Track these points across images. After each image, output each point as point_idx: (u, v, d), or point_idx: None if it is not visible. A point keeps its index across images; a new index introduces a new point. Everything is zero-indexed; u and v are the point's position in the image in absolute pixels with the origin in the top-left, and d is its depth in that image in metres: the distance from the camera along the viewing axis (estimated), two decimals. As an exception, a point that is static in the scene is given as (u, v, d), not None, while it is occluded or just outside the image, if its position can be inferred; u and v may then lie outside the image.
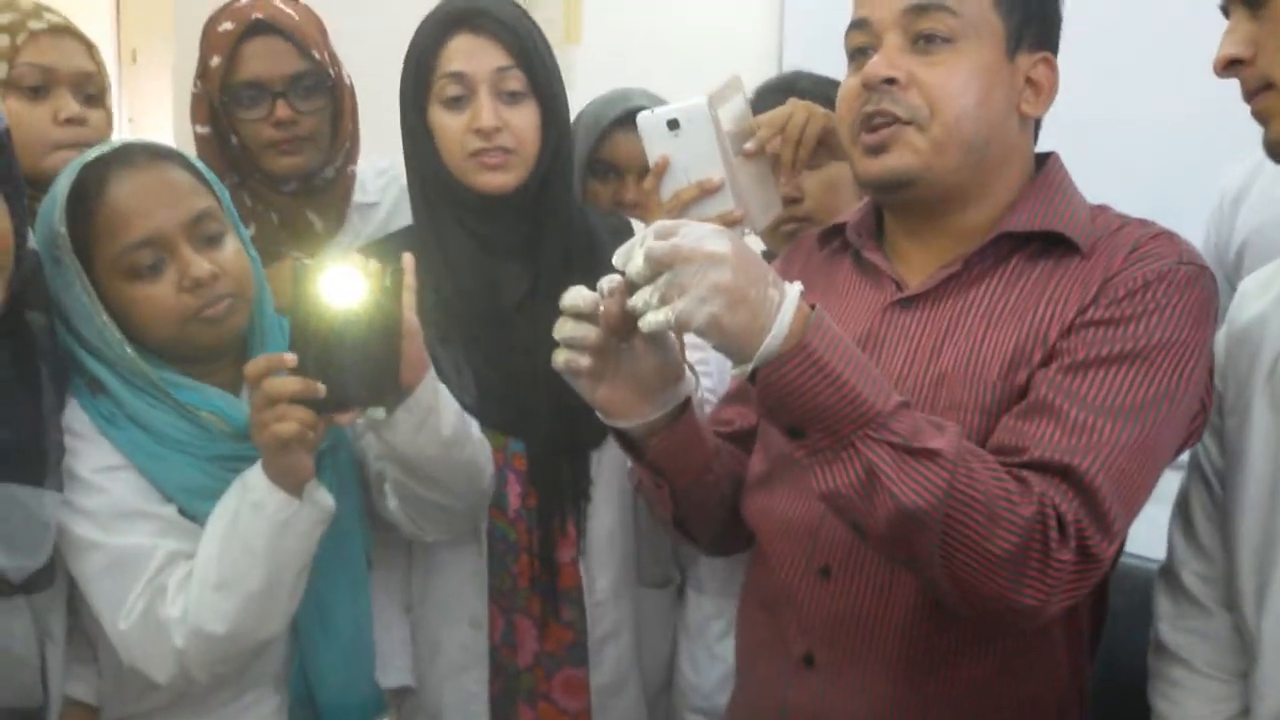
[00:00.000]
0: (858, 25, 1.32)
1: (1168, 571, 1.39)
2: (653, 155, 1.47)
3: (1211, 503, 1.34)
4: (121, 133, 1.89)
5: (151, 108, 4.10)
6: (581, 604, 1.73)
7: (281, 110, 1.89)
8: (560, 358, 1.27)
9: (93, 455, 1.46)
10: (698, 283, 1.07)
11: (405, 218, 1.85)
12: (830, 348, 1.10)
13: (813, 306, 1.12)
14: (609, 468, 1.73)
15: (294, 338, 1.37)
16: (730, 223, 1.44)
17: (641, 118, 1.47)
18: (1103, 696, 1.40)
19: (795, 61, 2.39)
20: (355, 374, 1.39)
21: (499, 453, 1.68)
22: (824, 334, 1.10)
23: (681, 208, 1.45)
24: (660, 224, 1.12)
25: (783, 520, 1.36)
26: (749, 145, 1.50)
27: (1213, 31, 1.23)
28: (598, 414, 1.35)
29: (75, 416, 1.48)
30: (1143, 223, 1.30)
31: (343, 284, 1.36)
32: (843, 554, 1.30)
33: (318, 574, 1.51)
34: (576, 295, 1.24)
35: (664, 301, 1.09)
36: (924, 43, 1.27)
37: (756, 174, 1.52)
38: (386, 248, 1.68)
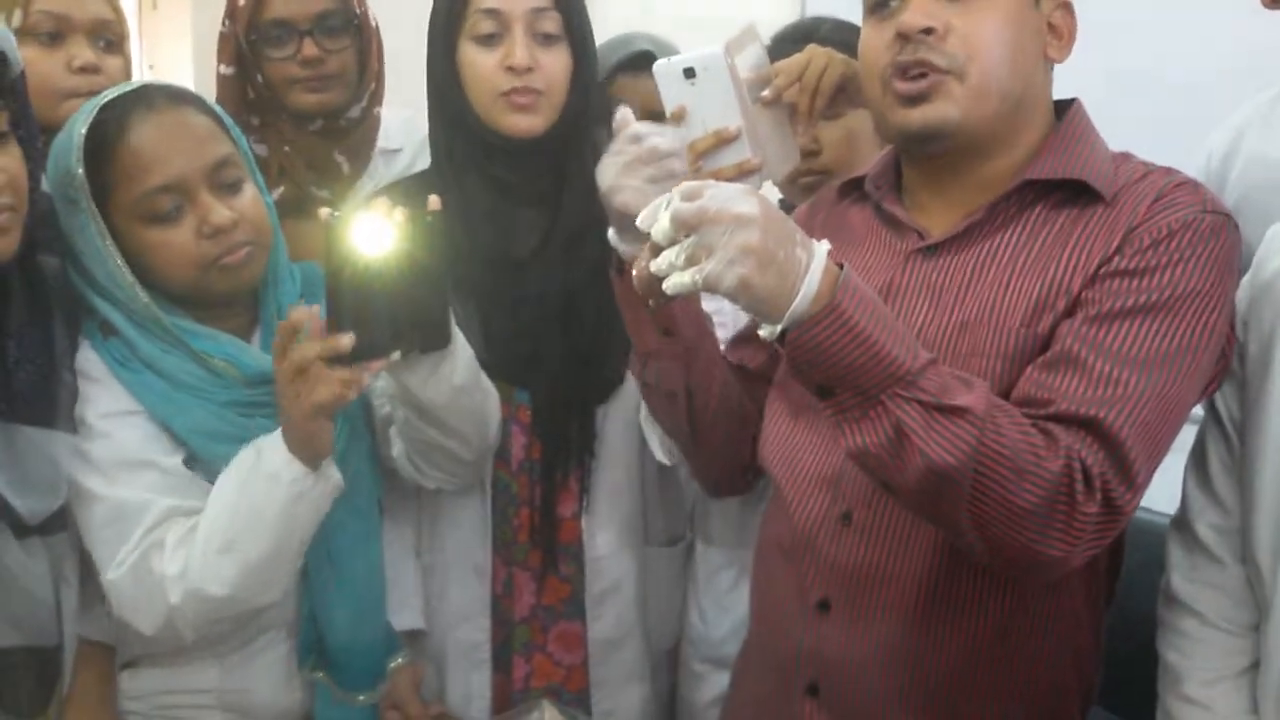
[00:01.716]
0: None
1: (1181, 522, 1.38)
2: (669, 104, 1.45)
3: (1229, 454, 1.33)
4: (141, 79, 1.88)
5: (171, 54, 4.09)
6: (581, 559, 1.73)
7: (309, 48, 1.88)
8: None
9: (102, 399, 1.47)
10: (725, 244, 1.06)
11: (427, 164, 1.83)
12: (859, 307, 1.10)
13: (840, 266, 1.11)
14: (615, 423, 1.73)
15: (328, 287, 1.37)
16: (748, 172, 1.43)
17: (657, 66, 1.45)
18: (1113, 648, 1.40)
19: (819, 8, 2.35)
20: (389, 320, 1.40)
21: (504, 404, 1.67)
22: (853, 294, 1.10)
23: (698, 157, 1.44)
24: (687, 185, 1.10)
25: (804, 468, 1.37)
26: (765, 93, 1.48)
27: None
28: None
29: (87, 359, 1.48)
30: (1167, 171, 1.29)
31: (373, 231, 1.36)
32: (864, 501, 1.30)
33: (331, 519, 1.51)
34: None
35: (691, 263, 1.08)
36: None
37: (774, 123, 1.50)
38: (402, 190, 1.67)
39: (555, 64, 1.65)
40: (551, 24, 1.64)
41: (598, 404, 1.72)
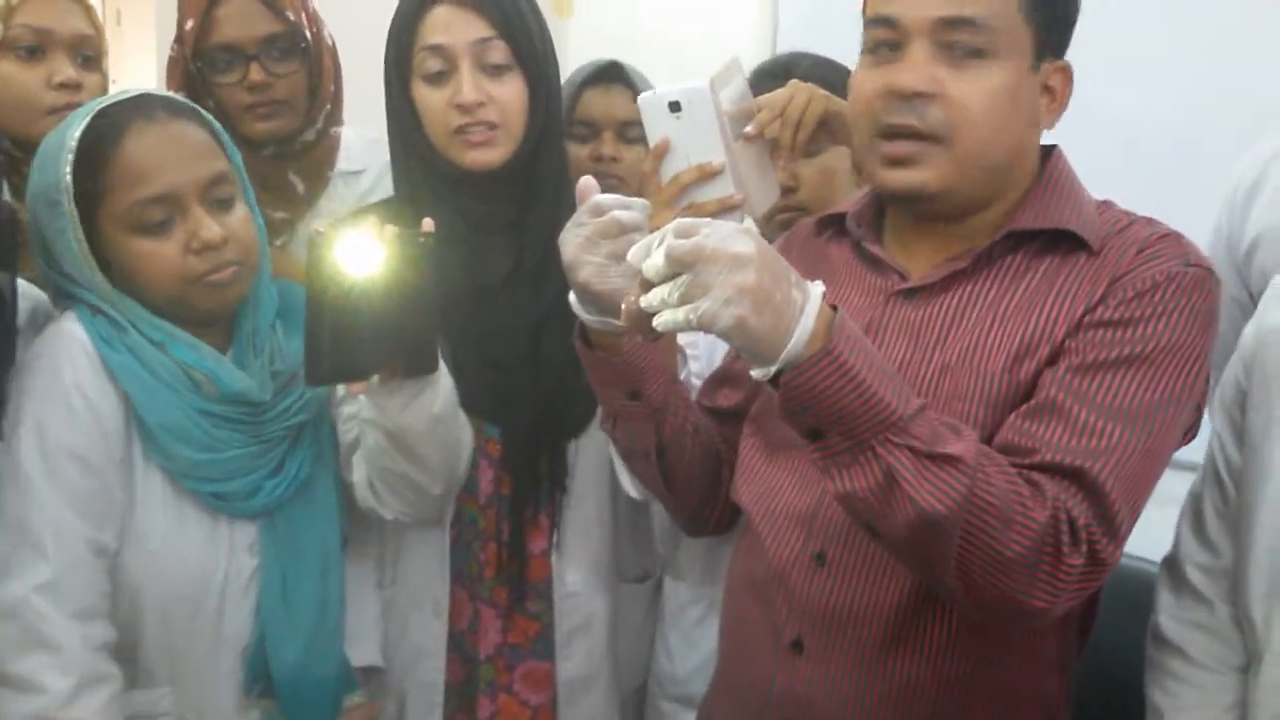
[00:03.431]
0: (883, 21, 1.28)
1: (1171, 564, 1.39)
2: (653, 136, 1.45)
3: (1222, 499, 1.34)
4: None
5: (136, 71, 4.06)
6: (550, 596, 1.71)
7: (255, 73, 1.85)
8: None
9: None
10: (722, 284, 1.04)
11: (390, 187, 1.80)
12: (853, 350, 1.09)
13: (834, 308, 1.11)
14: (587, 458, 1.70)
15: (308, 303, 1.36)
16: (730, 207, 1.43)
17: (643, 98, 1.45)
18: (1086, 693, 1.40)
19: (790, 39, 2.36)
20: (373, 342, 1.38)
21: (474, 437, 1.64)
22: (848, 337, 1.09)
23: (680, 190, 1.44)
24: (680, 222, 1.09)
25: (779, 505, 1.36)
26: (749, 128, 1.49)
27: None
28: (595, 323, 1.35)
29: (71, 330, 1.44)
30: (1149, 221, 1.30)
31: (362, 249, 1.35)
32: (838, 540, 1.29)
33: (289, 546, 1.49)
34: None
35: (684, 301, 1.06)
36: (952, 52, 1.25)
37: (756, 158, 1.51)
38: (368, 217, 1.64)
39: (508, 93, 1.62)
40: (499, 54, 1.61)
41: (569, 438, 1.69)
